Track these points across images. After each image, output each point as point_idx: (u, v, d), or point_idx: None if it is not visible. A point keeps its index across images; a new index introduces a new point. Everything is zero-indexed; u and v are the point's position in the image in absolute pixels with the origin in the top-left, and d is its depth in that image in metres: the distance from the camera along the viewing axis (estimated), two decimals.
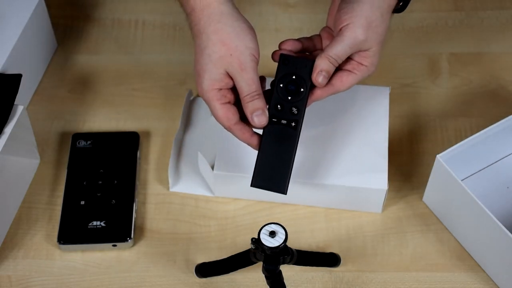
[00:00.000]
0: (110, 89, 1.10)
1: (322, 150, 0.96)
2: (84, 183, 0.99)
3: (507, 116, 0.94)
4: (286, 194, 0.86)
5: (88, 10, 1.19)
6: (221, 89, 0.84)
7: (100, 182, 0.99)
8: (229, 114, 0.84)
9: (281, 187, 0.86)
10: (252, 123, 0.84)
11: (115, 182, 0.99)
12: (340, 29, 0.84)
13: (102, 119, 1.07)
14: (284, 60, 0.86)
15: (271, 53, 0.88)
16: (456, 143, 0.92)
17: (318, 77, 0.84)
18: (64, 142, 1.04)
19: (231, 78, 0.84)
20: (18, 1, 1.05)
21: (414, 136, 1.05)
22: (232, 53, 0.82)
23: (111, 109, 1.08)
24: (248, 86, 0.83)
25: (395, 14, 0.89)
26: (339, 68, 0.86)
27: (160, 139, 1.05)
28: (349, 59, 0.86)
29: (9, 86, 0.96)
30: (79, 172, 0.99)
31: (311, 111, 0.98)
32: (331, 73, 0.85)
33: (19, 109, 0.95)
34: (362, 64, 0.86)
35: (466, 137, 0.93)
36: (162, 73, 1.12)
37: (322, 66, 0.84)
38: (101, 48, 1.15)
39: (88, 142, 1.02)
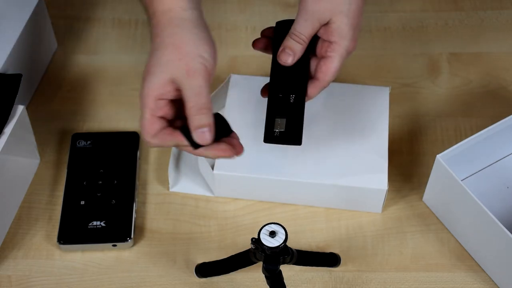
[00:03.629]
0: (110, 89, 1.10)
1: (322, 150, 0.96)
2: (84, 183, 0.99)
3: (507, 116, 0.94)
4: (301, 144, 0.83)
5: (88, 10, 1.19)
6: (160, 99, 0.77)
7: (100, 182, 0.99)
8: (154, 125, 0.76)
9: (295, 139, 0.83)
10: (195, 138, 0.76)
11: (115, 182, 0.99)
12: (299, 4, 0.84)
13: (102, 119, 1.07)
14: (279, 26, 0.86)
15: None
16: (456, 143, 0.92)
17: (282, 55, 0.84)
18: (64, 142, 1.04)
19: (176, 89, 0.77)
20: (18, 1, 1.05)
21: (414, 136, 1.05)
22: (181, 58, 0.76)
23: (111, 109, 1.08)
24: (195, 95, 0.75)
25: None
26: (318, 59, 0.85)
27: None
28: (321, 43, 0.85)
29: (9, 86, 0.96)
30: (79, 172, 0.99)
31: (311, 111, 0.98)
32: (298, 52, 0.84)
33: (19, 109, 0.95)
34: (331, 42, 0.83)
35: (466, 137, 0.93)
36: None
37: (285, 43, 0.84)
38: (101, 48, 1.15)
39: (88, 142, 1.02)
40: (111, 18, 1.18)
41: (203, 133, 0.76)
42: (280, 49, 0.84)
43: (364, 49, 1.13)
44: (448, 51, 1.14)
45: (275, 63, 0.86)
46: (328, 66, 0.84)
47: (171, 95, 0.77)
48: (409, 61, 1.13)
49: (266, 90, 0.87)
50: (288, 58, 0.84)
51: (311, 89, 0.85)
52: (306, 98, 0.85)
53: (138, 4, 1.19)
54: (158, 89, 0.76)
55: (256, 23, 1.17)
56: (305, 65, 0.85)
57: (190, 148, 0.78)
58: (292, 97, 0.84)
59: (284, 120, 0.84)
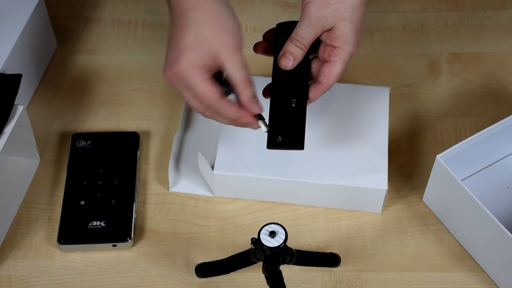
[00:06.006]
0: (110, 89, 1.10)
1: (322, 150, 0.96)
2: (84, 183, 0.99)
3: (507, 116, 0.94)
4: (303, 149, 0.84)
5: (88, 10, 1.19)
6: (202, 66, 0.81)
7: (100, 182, 0.99)
8: (214, 87, 0.80)
9: (298, 143, 0.84)
10: (251, 109, 0.82)
11: (115, 182, 0.99)
12: (302, 9, 0.84)
13: (102, 119, 1.07)
14: (279, 28, 0.86)
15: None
16: (456, 143, 0.92)
17: (282, 59, 0.84)
18: (64, 142, 1.04)
19: (214, 63, 0.80)
20: (18, 1, 1.05)
21: (414, 136, 1.05)
22: (223, 35, 0.80)
23: (111, 109, 1.08)
24: (240, 70, 0.79)
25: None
26: (320, 63, 0.86)
27: (160, 139, 1.05)
28: (323, 47, 0.85)
29: (9, 86, 0.96)
30: (79, 172, 0.99)
31: (311, 111, 0.98)
32: (298, 56, 0.84)
33: (19, 109, 0.95)
34: (334, 47, 0.84)
35: (466, 137, 0.93)
36: (162, 73, 1.11)
37: (286, 47, 0.84)
38: (101, 48, 1.15)
39: (88, 142, 1.02)
40: (111, 18, 1.18)
41: (255, 102, 0.81)
42: (281, 53, 0.84)
43: (364, 49, 1.13)
44: (448, 51, 1.14)
45: (276, 66, 0.86)
46: (331, 71, 0.84)
47: (207, 68, 0.80)
48: (409, 61, 1.13)
49: (267, 91, 0.87)
50: (288, 62, 0.84)
51: (313, 92, 0.85)
52: (308, 101, 0.86)
53: (138, 4, 1.20)
54: (197, 62, 0.79)
55: (256, 23, 1.17)
56: (306, 68, 0.86)
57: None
58: (294, 101, 0.85)
59: (285, 126, 0.84)
